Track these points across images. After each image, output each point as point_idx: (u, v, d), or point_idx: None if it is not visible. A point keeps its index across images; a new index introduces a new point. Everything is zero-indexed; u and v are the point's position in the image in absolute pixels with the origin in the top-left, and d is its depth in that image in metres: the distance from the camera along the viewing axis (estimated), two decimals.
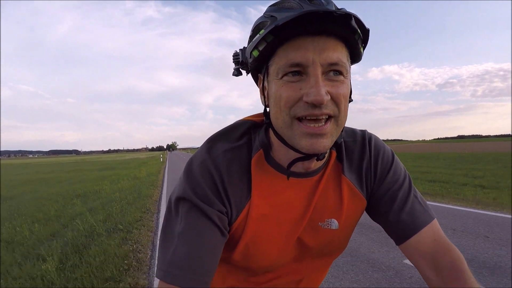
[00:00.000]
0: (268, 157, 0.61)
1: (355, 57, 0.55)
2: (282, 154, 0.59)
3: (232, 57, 0.61)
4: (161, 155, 54.84)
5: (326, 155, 0.62)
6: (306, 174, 0.61)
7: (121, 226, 4.80)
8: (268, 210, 0.60)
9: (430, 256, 0.60)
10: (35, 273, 3.13)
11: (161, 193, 8.43)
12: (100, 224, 4.92)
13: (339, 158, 0.65)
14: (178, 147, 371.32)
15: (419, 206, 0.63)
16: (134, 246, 3.91)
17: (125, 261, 3.40)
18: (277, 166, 0.60)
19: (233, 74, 0.62)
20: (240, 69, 0.61)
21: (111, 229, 4.68)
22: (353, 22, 0.48)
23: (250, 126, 0.65)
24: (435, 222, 0.62)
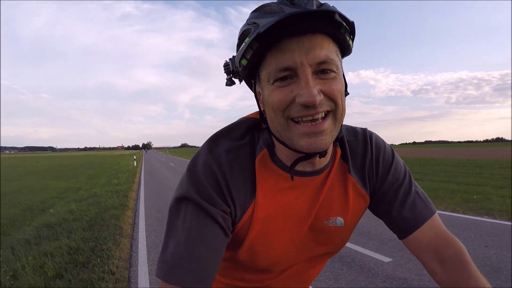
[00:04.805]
0: (273, 156, 0.61)
1: (345, 50, 0.55)
2: (285, 154, 0.59)
3: (223, 67, 0.61)
4: (140, 153, 76.89)
5: (331, 153, 0.63)
6: (312, 173, 0.61)
7: (135, 160, 19.87)
8: (274, 209, 0.61)
9: (433, 249, 0.62)
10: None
11: (143, 156, 37.80)
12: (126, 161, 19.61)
13: (344, 157, 0.65)
14: (153, 146, 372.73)
15: (420, 201, 0.65)
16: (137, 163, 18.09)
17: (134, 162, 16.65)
18: (282, 165, 0.60)
19: (226, 85, 0.63)
20: (233, 78, 0.62)
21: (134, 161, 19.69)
22: (337, 17, 0.48)
23: (252, 124, 0.65)
24: (436, 216, 0.64)
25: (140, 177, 13.38)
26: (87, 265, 3.18)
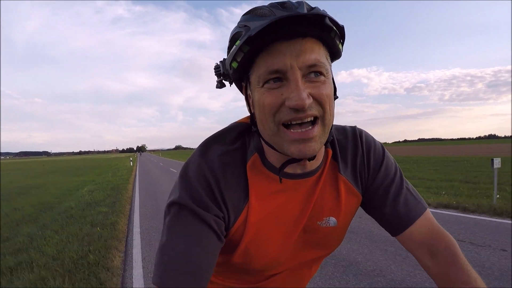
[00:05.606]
0: (264, 160, 0.61)
1: (335, 54, 0.56)
2: (275, 158, 0.60)
3: (213, 70, 0.62)
4: (135, 155, 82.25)
5: (322, 155, 0.63)
6: (304, 175, 0.62)
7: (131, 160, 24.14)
8: (267, 212, 0.61)
9: (426, 244, 0.63)
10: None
11: (137, 158, 46.47)
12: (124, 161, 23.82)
13: (335, 157, 0.66)
14: (147, 149, 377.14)
15: (412, 198, 0.66)
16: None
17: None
18: (273, 169, 0.61)
19: (217, 87, 0.63)
20: (223, 80, 0.62)
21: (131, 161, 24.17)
22: (327, 21, 0.48)
23: (243, 129, 0.65)
24: (428, 211, 0.66)
25: (136, 172, 18.68)
26: (115, 197, 8.34)
